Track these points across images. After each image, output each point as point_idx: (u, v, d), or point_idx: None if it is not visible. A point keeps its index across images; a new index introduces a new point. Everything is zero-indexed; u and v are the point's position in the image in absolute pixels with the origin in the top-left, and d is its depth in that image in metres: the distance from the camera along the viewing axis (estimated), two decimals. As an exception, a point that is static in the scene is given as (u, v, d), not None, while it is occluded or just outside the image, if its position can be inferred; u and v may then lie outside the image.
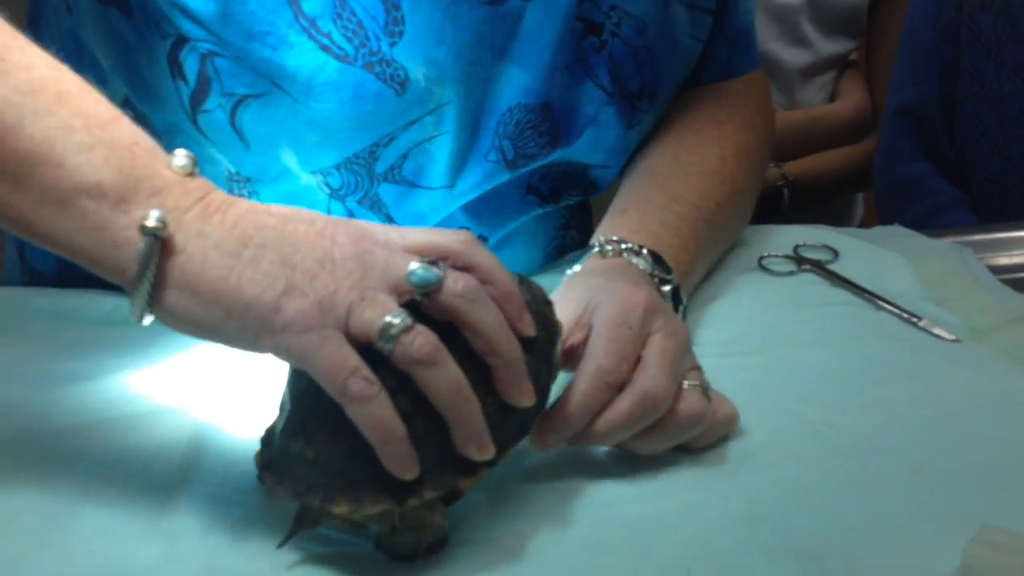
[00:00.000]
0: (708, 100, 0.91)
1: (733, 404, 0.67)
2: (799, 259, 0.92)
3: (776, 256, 0.92)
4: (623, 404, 0.62)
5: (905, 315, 0.82)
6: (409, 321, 0.54)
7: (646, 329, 0.65)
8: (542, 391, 0.60)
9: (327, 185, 0.81)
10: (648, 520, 0.60)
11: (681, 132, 0.88)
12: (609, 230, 0.78)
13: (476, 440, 0.56)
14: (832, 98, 1.64)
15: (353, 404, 0.53)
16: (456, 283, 0.56)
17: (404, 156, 0.81)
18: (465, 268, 0.57)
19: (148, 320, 0.56)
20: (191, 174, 0.57)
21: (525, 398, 0.58)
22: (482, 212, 0.86)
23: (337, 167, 0.80)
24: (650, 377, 0.62)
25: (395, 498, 0.54)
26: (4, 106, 0.55)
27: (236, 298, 0.54)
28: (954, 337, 0.79)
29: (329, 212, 0.82)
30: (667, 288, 0.74)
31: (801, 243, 0.94)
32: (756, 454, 0.65)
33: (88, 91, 0.58)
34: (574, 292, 0.69)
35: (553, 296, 0.67)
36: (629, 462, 0.64)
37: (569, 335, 0.65)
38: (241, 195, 0.82)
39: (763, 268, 0.91)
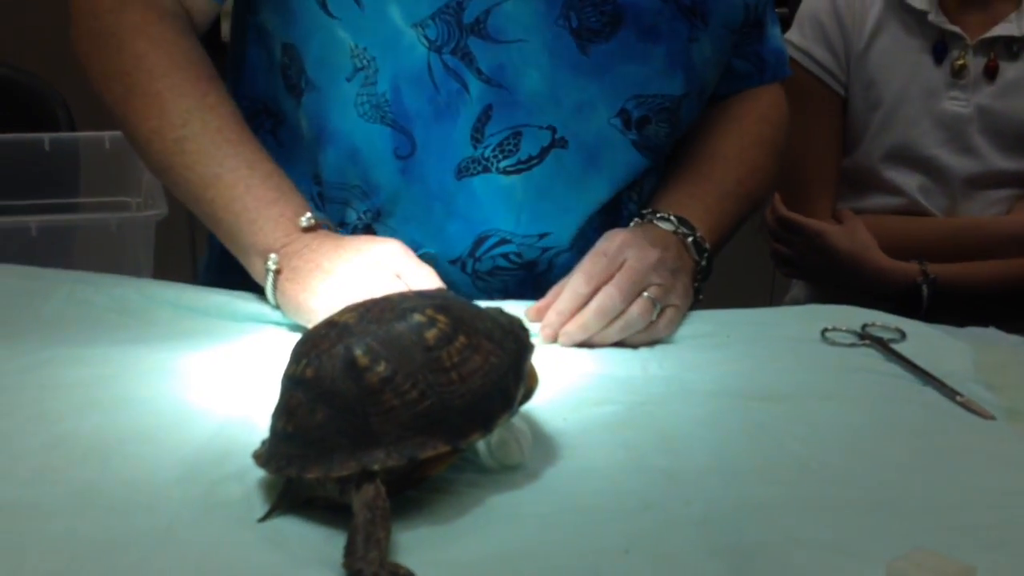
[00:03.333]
0: (730, 104, 1.14)
1: (680, 316, 0.94)
2: (863, 335, 0.94)
3: (840, 330, 0.94)
4: (589, 308, 0.90)
5: (946, 390, 0.82)
6: None
7: (621, 256, 0.92)
8: (507, 393, 0.66)
9: (425, 38, 0.96)
10: (607, 511, 0.64)
11: (708, 129, 1.11)
12: (652, 203, 1.04)
13: None
14: None
15: None
16: None
17: (487, 11, 0.95)
18: None
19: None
20: (308, 229, 0.92)
21: None
22: (568, 119, 0.99)
23: (432, 17, 0.95)
24: (605, 291, 0.90)
25: (361, 462, 0.61)
26: (225, 200, 0.93)
27: (295, 303, 0.90)
28: (990, 415, 0.79)
29: (430, 67, 0.97)
30: (690, 239, 0.99)
31: (871, 323, 0.96)
32: (737, 476, 0.68)
33: (265, 179, 0.94)
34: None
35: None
36: (610, 466, 0.69)
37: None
38: (362, 69, 0.98)
39: (824, 339, 0.93)
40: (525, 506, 0.64)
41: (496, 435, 0.68)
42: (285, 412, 0.64)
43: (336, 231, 0.96)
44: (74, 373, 0.80)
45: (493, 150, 0.99)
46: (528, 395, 0.70)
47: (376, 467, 0.61)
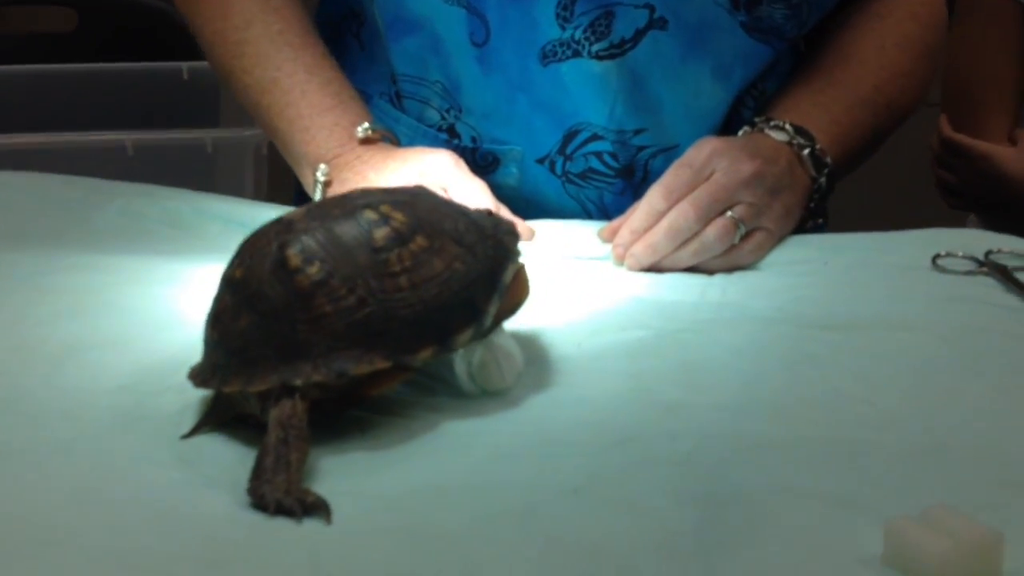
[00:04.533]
0: (873, 1, 0.97)
1: (771, 241, 0.82)
2: (983, 262, 0.78)
3: (956, 256, 0.79)
4: (659, 227, 0.79)
5: (1069, 326, 0.67)
6: None
7: (709, 167, 0.80)
8: (473, 306, 0.57)
9: None
10: (577, 445, 0.54)
11: (845, 28, 0.95)
12: (768, 110, 0.90)
13: None
14: None
15: None
16: None
17: None
18: None
19: None
20: (365, 140, 0.85)
21: None
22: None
23: None
24: (679, 208, 0.79)
25: (282, 376, 0.53)
26: (280, 107, 0.88)
27: None
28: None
29: None
30: (806, 152, 0.86)
31: (997, 249, 0.80)
32: (754, 413, 0.57)
33: (323, 85, 0.88)
34: None
35: None
36: (607, 397, 0.59)
37: None
38: None
39: (935, 266, 0.78)
40: (483, 436, 0.55)
41: (477, 355, 0.59)
42: (213, 317, 0.57)
43: (397, 143, 0.89)
44: (80, 279, 0.76)
45: (584, 31, 0.87)
46: (512, 310, 0.60)
47: (299, 382, 0.53)
